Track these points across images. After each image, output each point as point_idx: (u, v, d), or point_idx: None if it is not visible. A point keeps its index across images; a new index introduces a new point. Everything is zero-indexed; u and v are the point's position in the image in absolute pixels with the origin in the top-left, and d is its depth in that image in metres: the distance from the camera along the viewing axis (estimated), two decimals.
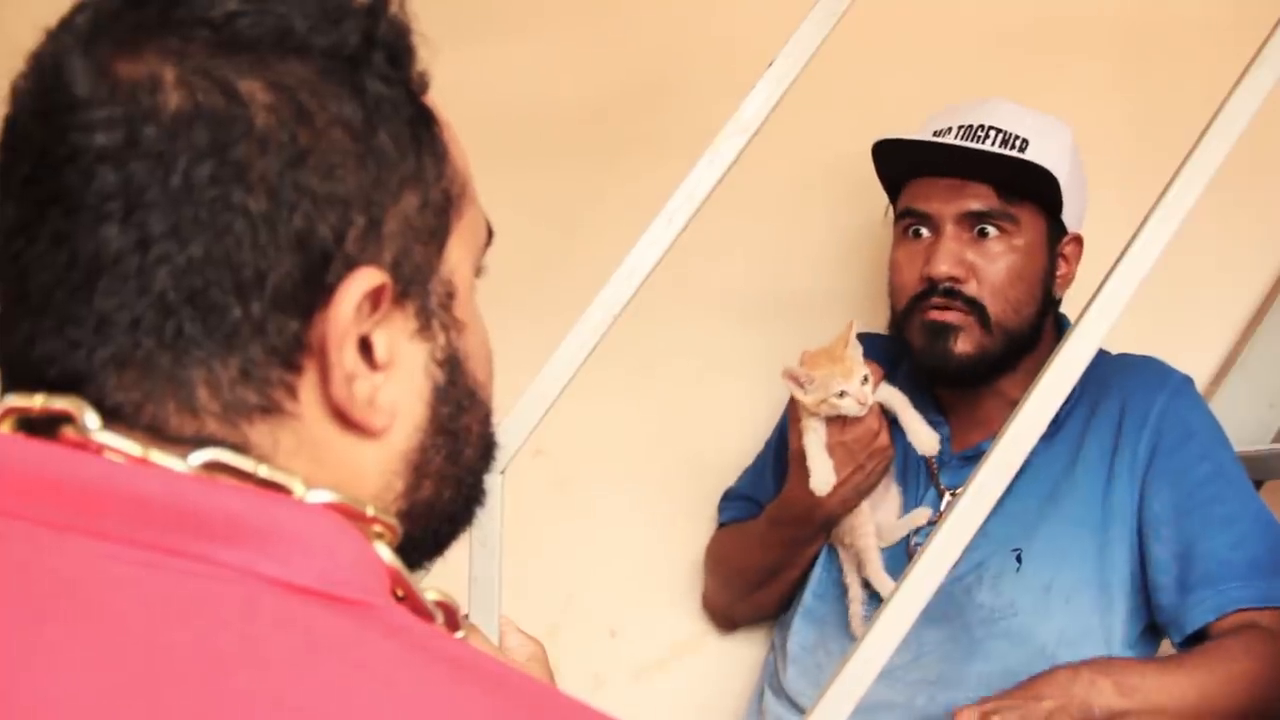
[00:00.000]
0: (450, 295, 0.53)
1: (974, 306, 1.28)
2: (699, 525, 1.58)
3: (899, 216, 1.35)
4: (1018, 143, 1.27)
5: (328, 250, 0.48)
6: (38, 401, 0.47)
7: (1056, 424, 1.29)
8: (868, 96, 1.65)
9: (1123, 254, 0.88)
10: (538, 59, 1.71)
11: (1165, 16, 1.67)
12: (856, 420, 1.26)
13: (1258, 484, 1.52)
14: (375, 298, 0.49)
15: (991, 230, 1.28)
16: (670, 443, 1.66)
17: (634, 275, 1.00)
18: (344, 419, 0.49)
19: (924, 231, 1.31)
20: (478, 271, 0.57)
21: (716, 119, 1.03)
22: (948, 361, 1.28)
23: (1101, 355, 1.35)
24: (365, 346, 0.50)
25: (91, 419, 0.46)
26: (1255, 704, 1.17)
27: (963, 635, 1.26)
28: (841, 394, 1.24)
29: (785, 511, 1.35)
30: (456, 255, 0.54)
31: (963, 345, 1.28)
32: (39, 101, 0.48)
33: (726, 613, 1.59)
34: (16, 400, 0.48)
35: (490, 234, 0.58)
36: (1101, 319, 0.87)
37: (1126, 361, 1.35)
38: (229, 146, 0.46)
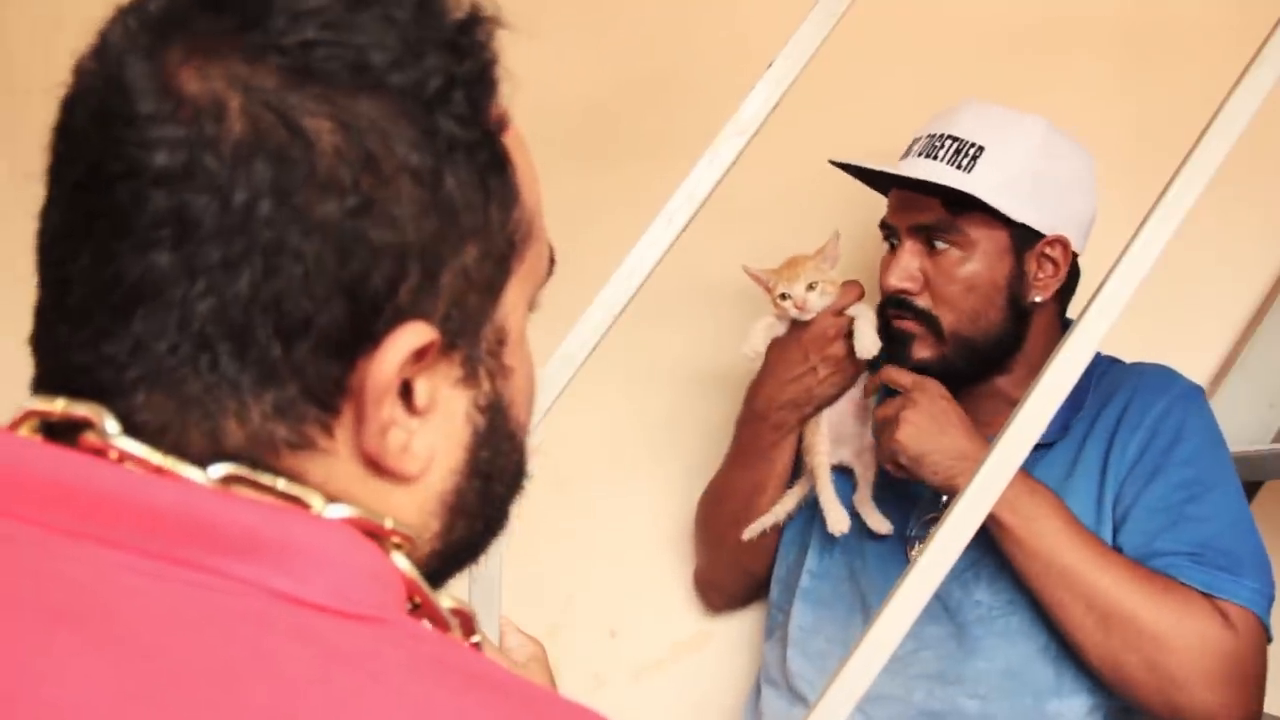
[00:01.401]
0: (501, 342, 0.52)
1: (925, 318, 1.29)
2: None
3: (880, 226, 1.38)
4: (972, 150, 1.27)
5: (379, 301, 0.46)
6: (59, 406, 0.47)
7: (1064, 428, 1.28)
8: (869, 97, 1.65)
9: (1123, 254, 0.88)
10: (537, 59, 1.70)
11: (1166, 16, 1.67)
12: (814, 321, 1.32)
13: (1257, 484, 1.53)
14: (421, 352, 0.48)
15: (940, 244, 1.29)
16: (670, 442, 1.66)
17: (634, 275, 1.00)
18: (376, 466, 0.48)
19: (894, 242, 1.34)
20: (534, 304, 0.55)
21: (716, 119, 1.03)
22: (906, 366, 1.30)
23: (1114, 364, 1.35)
24: (406, 390, 0.48)
25: (111, 424, 0.46)
26: (1140, 647, 1.14)
27: (962, 633, 1.26)
28: (783, 296, 1.31)
29: (745, 410, 1.40)
30: (513, 299, 0.52)
31: (919, 353, 1.29)
32: (99, 101, 0.47)
33: (712, 576, 1.58)
34: (38, 404, 0.47)
35: (552, 264, 0.56)
36: (1101, 319, 0.87)
37: (1138, 369, 1.34)
38: (290, 188, 0.45)
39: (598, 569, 1.64)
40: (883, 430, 1.27)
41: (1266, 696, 1.18)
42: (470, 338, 0.50)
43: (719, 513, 1.48)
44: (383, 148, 0.46)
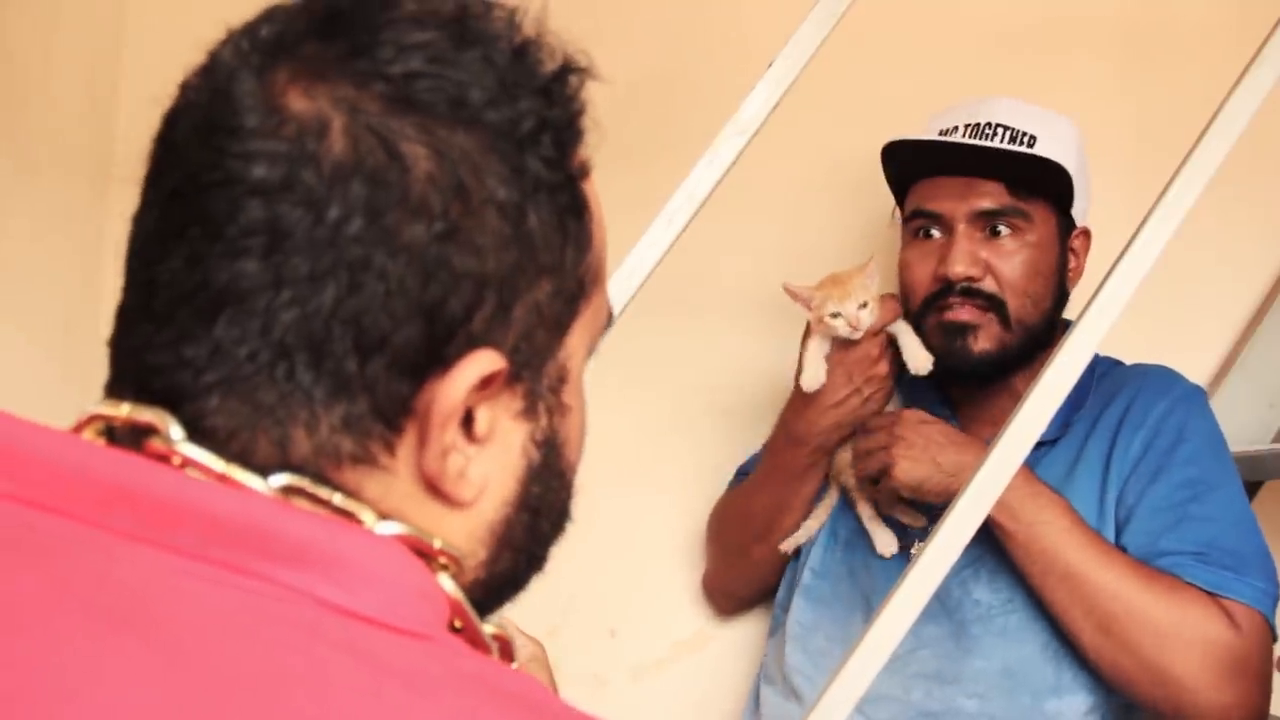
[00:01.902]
0: (562, 380, 0.53)
1: (993, 303, 1.27)
2: (699, 525, 1.58)
3: (909, 218, 1.34)
4: (1026, 139, 1.27)
5: (454, 325, 0.48)
6: (123, 411, 0.47)
7: (1065, 425, 1.28)
8: (870, 97, 1.65)
9: (1123, 254, 0.88)
10: None
11: (1166, 16, 1.67)
12: (857, 343, 1.29)
13: (1258, 484, 1.53)
14: (488, 379, 0.49)
15: (1004, 228, 1.28)
16: (670, 444, 1.66)
17: (634, 275, 1.00)
18: (432, 488, 0.49)
19: (935, 232, 1.30)
20: (592, 352, 0.57)
21: (716, 120, 1.03)
22: (966, 361, 1.28)
23: (1116, 365, 1.35)
24: (467, 418, 0.50)
25: (175, 430, 0.47)
26: (1141, 647, 1.14)
27: (961, 632, 1.25)
28: (835, 314, 1.28)
29: (782, 433, 1.37)
30: (577, 340, 0.54)
31: (982, 344, 1.27)
32: (203, 113, 0.48)
33: (725, 584, 1.58)
34: (103, 408, 0.48)
35: (611, 317, 0.58)
36: (1101, 319, 0.87)
37: (1141, 370, 1.34)
38: (382, 208, 0.46)
39: (598, 569, 1.64)
40: (869, 466, 1.27)
41: (1274, 696, 1.18)
42: (534, 372, 0.51)
43: (742, 529, 1.47)
44: (473, 179, 0.48)
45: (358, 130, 0.47)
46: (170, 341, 0.47)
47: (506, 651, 0.56)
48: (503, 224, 0.48)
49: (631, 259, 1.00)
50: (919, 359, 1.28)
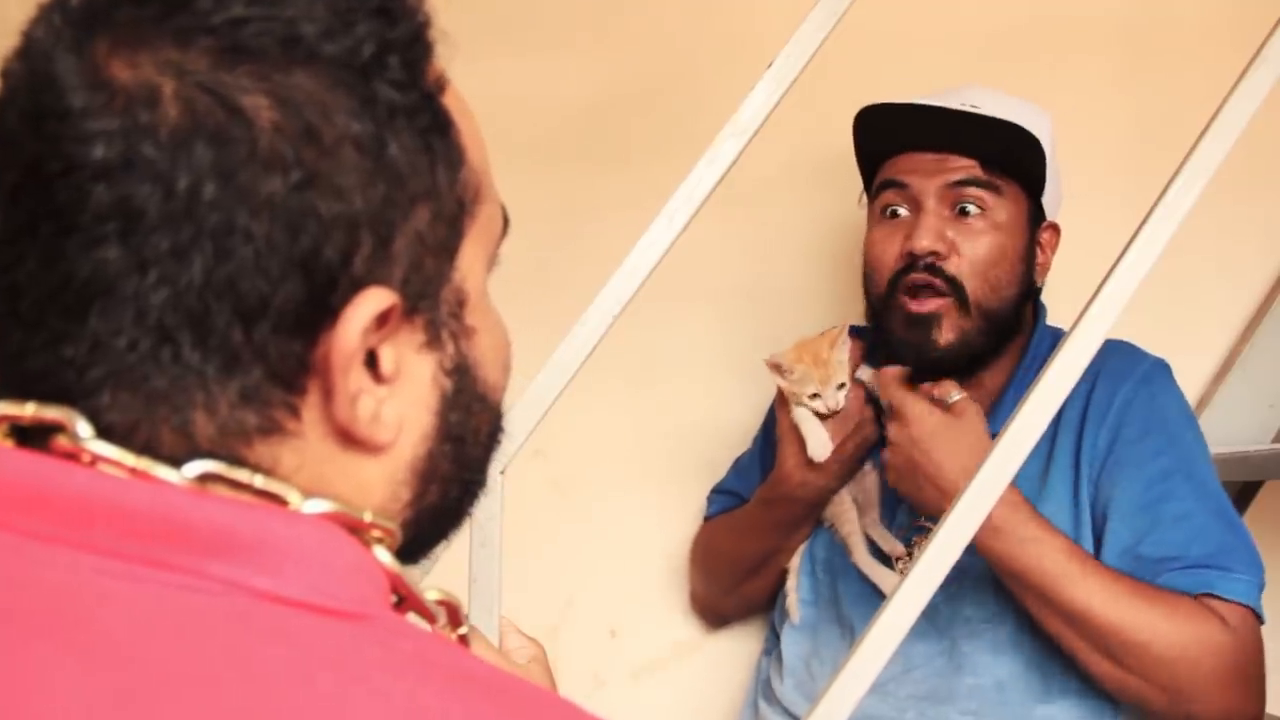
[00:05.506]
0: (461, 303, 0.51)
1: (953, 286, 1.25)
2: (699, 525, 1.58)
3: (877, 192, 1.32)
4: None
5: (333, 273, 0.46)
6: (29, 410, 0.46)
7: None
8: (863, 94, 1.64)
9: (1122, 254, 0.87)
10: (538, 61, 1.72)
11: (1165, 16, 1.67)
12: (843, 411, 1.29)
13: (1258, 484, 1.52)
14: (383, 317, 0.47)
15: (973, 208, 1.25)
16: (670, 442, 1.66)
17: (634, 276, 1.00)
18: (348, 437, 0.48)
19: (901, 211, 1.28)
20: (492, 263, 0.55)
21: (716, 120, 1.03)
22: (929, 352, 1.25)
23: None
24: (371, 360, 0.48)
25: (84, 428, 0.45)
26: (1153, 673, 1.11)
27: (951, 649, 1.23)
28: (814, 395, 1.27)
29: (775, 490, 1.34)
30: (469, 259, 0.52)
31: (946, 335, 1.25)
32: (30, 101, 0.46)
33: (715, 608, 1.58)
34: (8, 408, 0.46)
35: (506, 224, 0.56)
36: (1101, 319, 0.87)
37: (1100, 351, 1.31)
38: (232, 168, 0.44)
39: (598, 569, 1.64)
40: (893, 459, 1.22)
41: (1269, 697, 1.17)
42: (430, 301, 0.50)
43: (732, 568, 1.47)
44: (322, 119, 0.45)
45: (189, 91, 0.44)
46: (46, 344, 0.46)
47: (454, 616, 0.55)
48: (362, 159, 0.46)
49: (631, 259, 1.00)
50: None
